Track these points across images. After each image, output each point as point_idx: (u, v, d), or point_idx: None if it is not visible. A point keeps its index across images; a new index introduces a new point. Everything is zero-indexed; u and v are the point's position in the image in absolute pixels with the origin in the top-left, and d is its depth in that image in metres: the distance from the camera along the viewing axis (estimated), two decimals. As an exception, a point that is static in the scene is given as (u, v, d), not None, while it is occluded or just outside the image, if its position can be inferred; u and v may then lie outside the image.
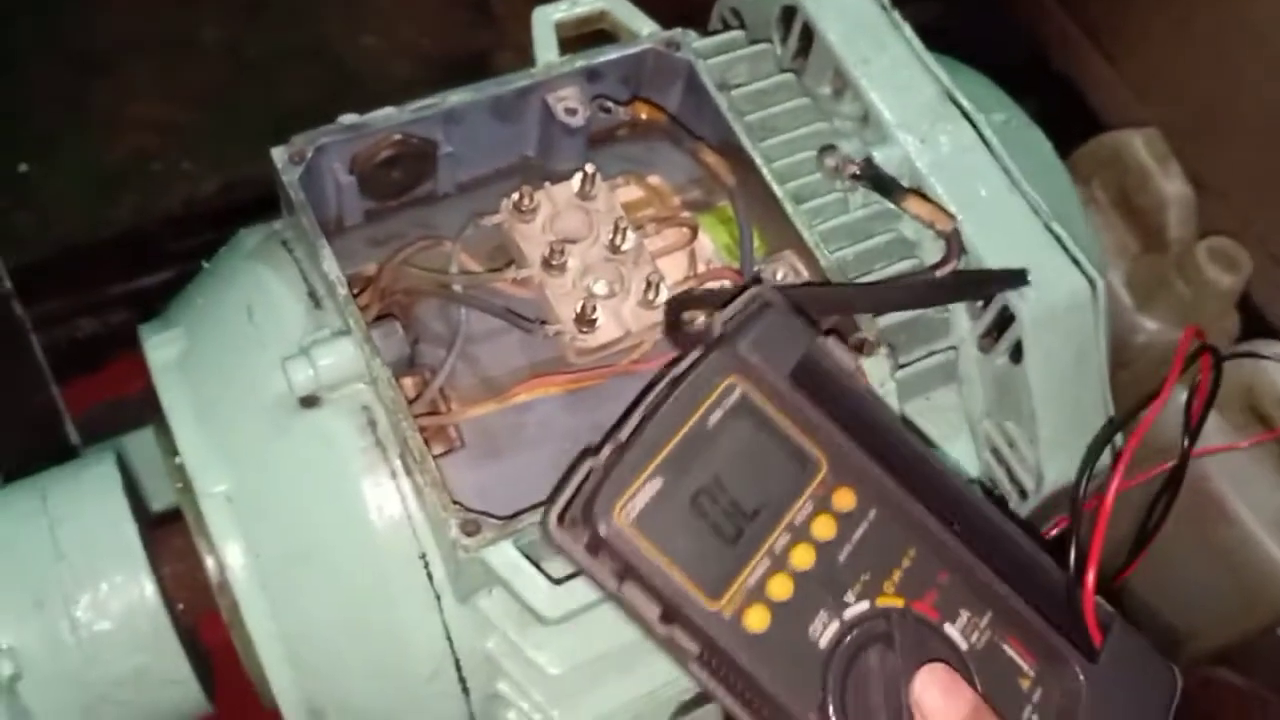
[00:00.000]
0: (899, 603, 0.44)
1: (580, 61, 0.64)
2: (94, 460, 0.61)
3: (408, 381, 0.58)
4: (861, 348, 0.59)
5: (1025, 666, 0.45)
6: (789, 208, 0.63)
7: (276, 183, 0.58)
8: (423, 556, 0.55)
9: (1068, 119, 1.26)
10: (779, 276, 0.62)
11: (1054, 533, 0.65)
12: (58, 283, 1.13)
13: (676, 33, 0.66)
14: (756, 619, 0.42)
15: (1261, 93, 1.10)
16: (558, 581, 0.53)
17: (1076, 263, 0.64)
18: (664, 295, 0.60)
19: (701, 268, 0.64)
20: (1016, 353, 0.64)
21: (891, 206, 0.65)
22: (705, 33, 0.73)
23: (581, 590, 0.54)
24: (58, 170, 1.23)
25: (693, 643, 0.42)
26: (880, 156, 0.66)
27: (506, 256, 0.62)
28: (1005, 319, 0.64)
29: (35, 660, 0.56)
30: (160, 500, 0.64)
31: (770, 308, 0.47)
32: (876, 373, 0.59)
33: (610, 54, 0.65)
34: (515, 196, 0.61)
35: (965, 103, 0.68)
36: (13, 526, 0.58)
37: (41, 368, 0.93)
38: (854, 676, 0.42)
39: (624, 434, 0.43)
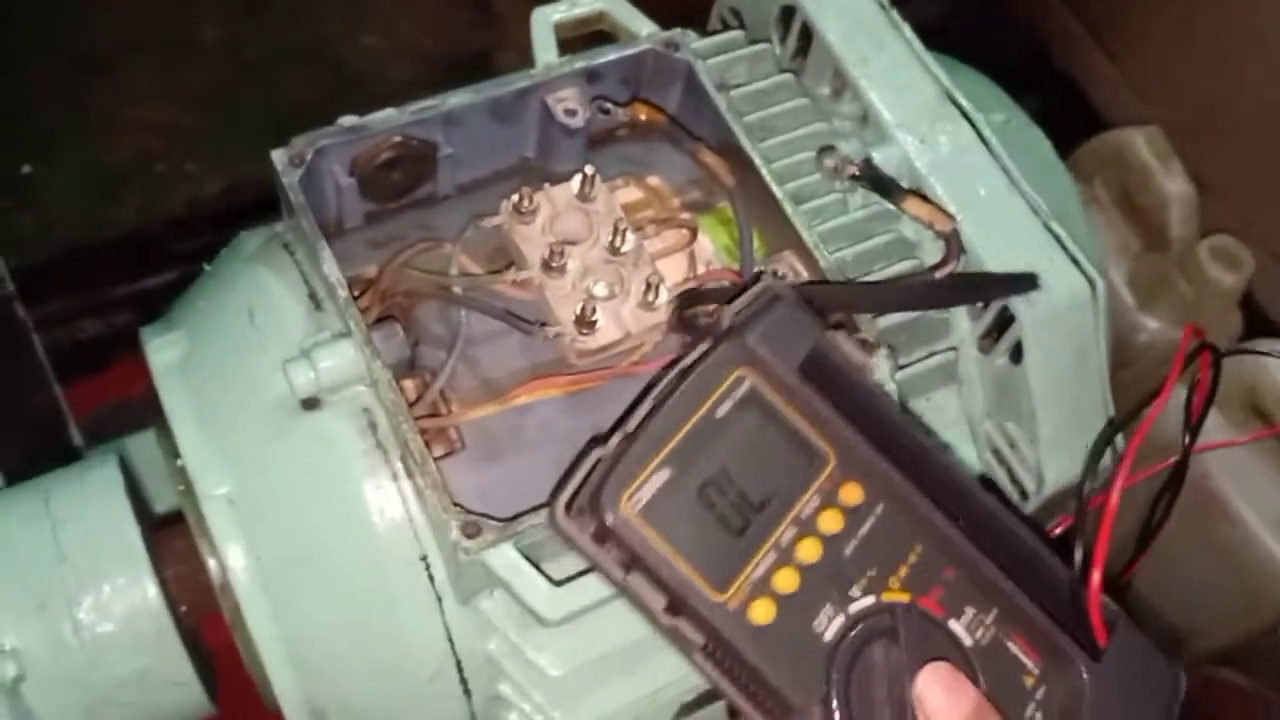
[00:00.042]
0: (904, 598, 0.44)
1: (579, 62, 0.64)
2: (97, 462, 0.62)
3: (408, 383, 0.58)
4: (862, 348, 0.59)
5: (1029, 664, 0.45)
6: (788, 208, 0.63)
7: (277, 185, 0.58)
8: (424, 558, 0.56)
9: (1069, 117, 1.26)
10: (779, 277, 0.62)
11: (1058, 531, 0.65)
12: (61, 284, 1.13)
13: (675, 33, 0.66)
14: (762, 611, 0.42)
15: (1262, 92, 1.10)
16: (558, 583, 0.53)
17: (1076, 263, 0.64)
18: (664, 297, 0.60)
19: (701, 269, 0.64)
20: (1016, 353, 0.64)
21: (891, 207, 0.65)
22: (705, 33, 0.73)
23: (582, 592, 0.54)
24: (60, 171, 1.23)
25: (698, 634, 0.42)
26: (879, 156, 0.66)
27: (506, 258, 0.62)
28: (1005, 320, 0.64)
29: (38, 662, 0.56)
30: (163, 502, 0.64)
31: (780, 301, 0.47)
32: (877, 373, 0.59)
33: (609, 55, 0.65)
34: (515, 198, 0.61)
35: (965, 102, 0.68)
36: (15, 528, 0.58)
37: (44, 369, 0.94)
38: (858, 671, 0.42)
39: (632, 424, 0.43)
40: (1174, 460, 0.58)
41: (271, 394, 0.56)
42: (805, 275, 0.62)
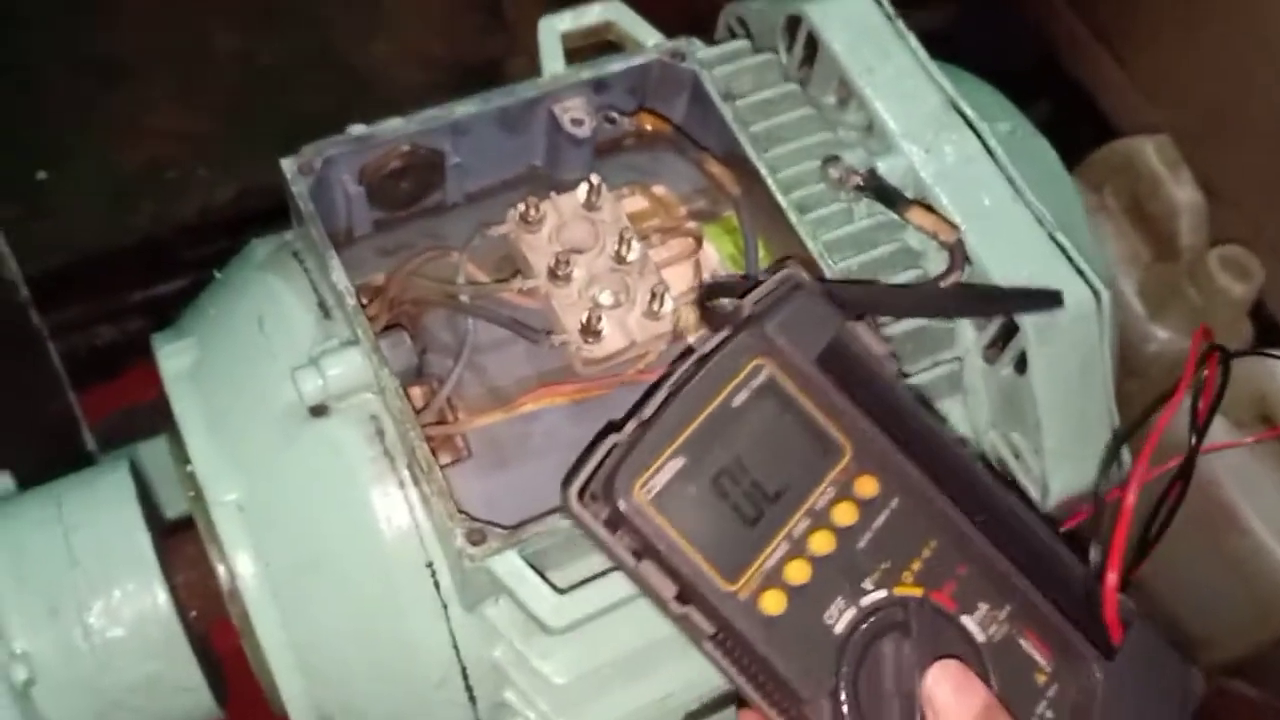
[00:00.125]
0: (917, 592, 0.44)
1: (586, 72, 0.65)
2: (108, 468, 0.62)
3: (416, 391, 0.59)
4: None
5: (1042, 661, 0.44)
6: (793, 217, 0.63)
7: (286, 194, 0.59)
8: (430, 565, 0.56)
9: (1078, 123, 1.26)
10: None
11: (1071, 525, 0.65)
12: (76, 290, 1.14)
13: (682, 43, 0.67)
14: (772, 602, 0.42)
15: (1272, 96, 1.10)
16: (563, 591, 0.54)
17: (1081, 273, 0.64)
18: (669, 305, 0.60)
19: (706, 278, 0.65)
20: (1021, 364, 0.64)
21: (896, 217, 0.65)
22: (712, 42, 0.73)
23: (587, 600, 0.54)
24: (75, 178, 1.24)
25: (707, 623, 0.42)
26: (885, 166, 0.66)
27: (513, 267, 0.62)
28: (1010, 330, 0.64)
29: (49, 666, 0.57)
30: (174, 508, 0.65)
31: (801, 290, 0.47)
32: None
33: (616, 64, 0.65)
34: (521, 207, 0.61)
35: (970, 112, 0.68)
36: (29, 533, 0.59)
37: (59, 375, 0.94)
38: (868, 664, 0.42)
39: (648, 411, 0.43)
40: (1181, 459, 0.57)
41: (280, 401, 0.57)
42: (811, 284, 0.63)
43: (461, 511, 0.53)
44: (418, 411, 0.56)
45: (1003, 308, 0.64)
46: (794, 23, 0.71)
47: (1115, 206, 1.13)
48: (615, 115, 0.66)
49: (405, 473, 0.56)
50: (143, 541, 0.59)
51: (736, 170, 0.65)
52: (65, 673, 0.57)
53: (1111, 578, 0.46)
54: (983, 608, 0.44)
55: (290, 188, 0.58)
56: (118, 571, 0.58)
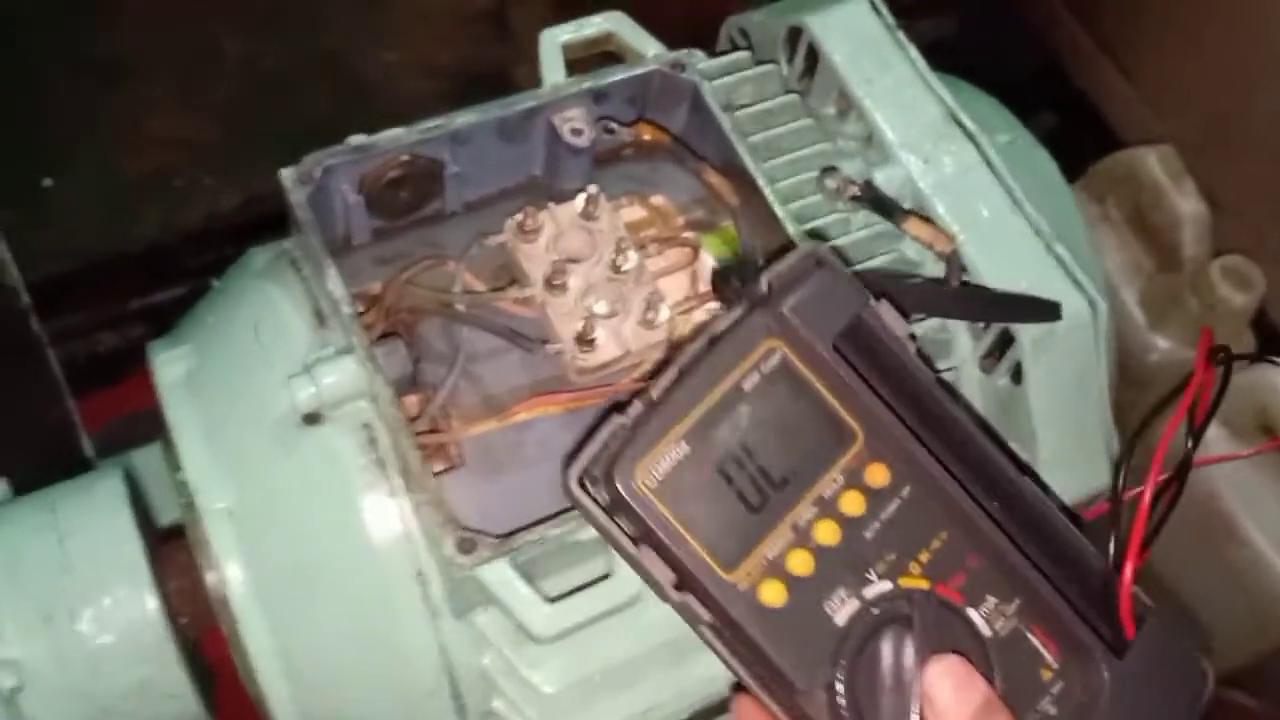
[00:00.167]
0: (924, 584, 0.42)
1: (586, 83, 0.65)
2: (102, 475, 0.62)
3: (411, 399, 0.59)
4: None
5: (1049, 657, 0.43)
6: (791, 228, 0.63)
7: (285, 202, 0.59)
8: (420, 573, 0.56)
9: (1082, 133, 1.26)
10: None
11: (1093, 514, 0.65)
12: (79, 297, 1.14)
13: (682, 54, 0.67)
14: (772, 593, 0.41)
15: (1276, 108, 1.10)
16: (552, 600, 0.54)
17: (1078, 284, 0.64)
18: (664, 315, 0.60)
19: (703, 287, 0.65)
20: (1017, 374, 0.64)
21: (893, 227, 0.66)
22: (713, 53, 0.74)
23: (576, 610, 0.54)
24: (79, 185, 1.24)
25: (705, 611, 0.41)
26: (883, 177, 0.66)
27: (510, 276, 0.63)
28: (1006, 340, 0.64)
29: (39, 672, 0.57)
30: (169, 515, 0.65)
31: (822, 267, 0.45)
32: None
33: (616, 75, 0.65)
34: (519, 217, 0.61)
35: (969, 123, 0.68)
36: (23, 539, 0.59)
37: (58, 382, 0.95)
38: (867, 657, 0.41)
39: (655, 392, 0.42)
40: (1183, 457, 0.57)
41: (275, 409, 0.57)
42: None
43: (452, 519, 0.53)
44: (412, 419, 0.56)
45: (1002, 314, 0.64)
46: (795, 34, 0.71)
47: (1118, 217, 1.13)
48: (614, 125, 0.66)
49: (397, 481, 0.56)
50: (134, 548, 0.59)
51: (735, 180, 0.65)
52: (55, 679, 0.57)
53: (1127, 574, 0.44)
54: (990, 601, 0.43)
55: (289, 197, 0.59)
56: (109, 578, 0.58)
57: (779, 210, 0.63)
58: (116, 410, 0.97)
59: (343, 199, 0.61)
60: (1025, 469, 0.47)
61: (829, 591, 0.42)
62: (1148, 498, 0.47)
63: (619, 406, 0.42)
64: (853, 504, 0.43)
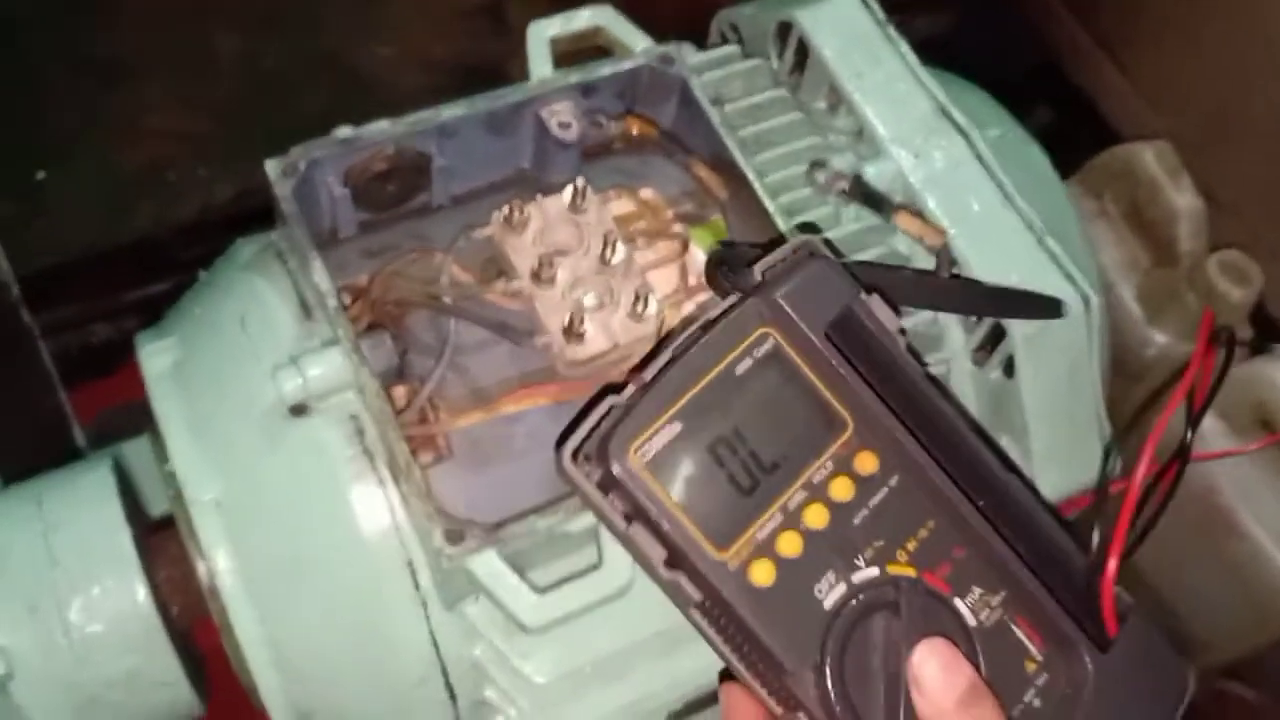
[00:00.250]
0: (911, 572, 0.43)
1: (574, 76, 0.65)
2: (90, 466, 0.63)
3: (399, 391, 0.59)
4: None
5: (1033, 649, 0.44)
6: (781, 222, 0.63)
7: (270, 195, 0.59)
8: (409, 564, 0.56)
9: (1080, 129, 1.26)
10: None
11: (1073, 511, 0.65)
12: (73, 289, 1.14)
13: (670, 48, 0.67)
14: (762, 573, 0.42)
15: (1273, 104, 1.09)
16: (542, 591, 0.54)
17: (1070, 278, 0.64)
18: (653, 308, 0.60)
19: (693, 281, 0.65)
20: (1009, 367, 0.64)
21: (884, 221, 0.65)
22: (704, 46, 0.73)
23: (565, 600, 0.54)
24: (74, 178, 1.24)
25: (695, 590, 0.42)
26: (873, 171, 0.66)
27: (498, 268, 0.63)
28: (998, 333, 0.64)
29: (28, 661, 0.57)
30: (159, 506, 0.65)
31: (815, 258, 0.46)
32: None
33: (604, 69, 0.65)
34: (506, 209, 0.61)
35: (959, 117, 0.68)
36: (9, 531, 0.59)
37: (49, 374, 0.95)
38: (855, 640, 0.42)
39: (649, 374, 0.43)
40: (1181, 442, 0.56)
41: (262, 400, 0.57)
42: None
43: (441, 511, 0.53)
44: (399, 411, 0.56)
45: (1003, 309, 0.64)
46: (785, 29, 0.71)
47: (1115, 212, 1.13)
48: (603, 119, 0.66)
49: (384, 472, 0.56)
50: (123, 538, 0.59)
51: (724, 174, 0.65)
52: (44, 667, 0.57)
53: (1110, 570, 0.45)
54: (976, 592, 0.44)
55: (274, 189, 0.59)
56: (98, 568, 0.58)
57: (769, 204, 0.63)
58: (110, 401, 0.97)
59: (329, 191, 0.62)
60: (1011, 466, 0.47)
61: (818, 574, 0.42)
62: (1135, 492, 0.47)
63: (613, 388, 0.43)
64: (842, 490, 0.43)
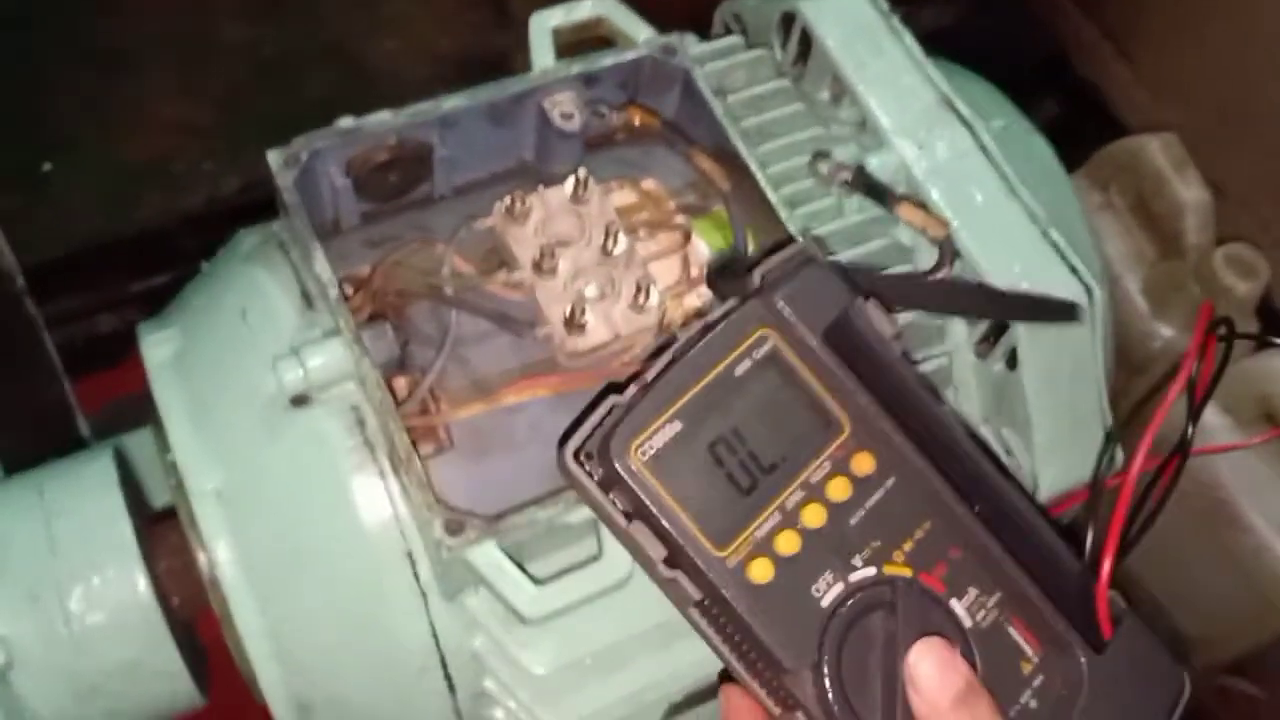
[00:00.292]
0: (907, 572, 0.43)
1: (576, 67, 0.64)
2: (92, 456, 0.63)
3: (400, 382, 0.59)
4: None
5: (1029, 651, 0.44)
6: (783, 213, 0.63)
7: (272, 185, 0.59)
8: (409, 555, 0.56)
9: (1086, 121, 1.26)
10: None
11: (1063, 509, 0.64)
12: (78, 280, 1.14)
13: (673, 39, 0.66)
14: (760, 571, 0.42)
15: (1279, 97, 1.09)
16: (541, 582, 0.54)
17: (1074, 270, 0.64)
18: (654, 299, 0.60)
19: (695, 272, 0.65)
20: (1012, 359, 0.64)
21: (886, 212, 0.65)
22: (708, 37, 0.73)
23: (564, 592, 0.54)
24: (80, 169, 1.25)
25: (694, 588, 0.42)
26: (877, 162, 0.66)
27: (499, 259, 0.62)
28: (1001, 326, 0.64)
29: (28, 650, 0.57)
30: (162, 498, 0.65)
31: (812, 264, 0.47)
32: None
33: (606, 60, 0.65)
34: (508, 200, 0.61)
35: (963, 109, 0.67)
36: (10, 520, 0.59)
37: (54, 364, 0.95)
38: (852, 639, 0.42)
39: (650, 374, 0.43)
40: (1182, 435, 0.56)
41: (262, 391, 0.57)
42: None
43: (441, 501, 0.53)
44: (400, 402, 0.56)
45: (1016, 313, 0.64)
46: (788, 19, 0.71)
47: (1121, 204, 1.12)
48: (605, 109, 0.66)
49: (385, 462, 0.56)
50: (124, 528, 0.59)
51: (727, 165, 0.65)
52: (44, 657, 0.57)
53: (1104, 574, 0.45)
54: (972, 593, 0.44)
55: (276, 179, 0.59)
56: (99, 557, 0.59)
57: (771, 195, 0.63)
58: (115, 392, 0.97)
59: (330, 182, 0.61)
60: (1005, 471, 0.48)
61: (815, 573, 0.43)
62: (1129, 489, 0.47)
63: (615, 387, 0.44)
64: (839, 490, 0.44)
